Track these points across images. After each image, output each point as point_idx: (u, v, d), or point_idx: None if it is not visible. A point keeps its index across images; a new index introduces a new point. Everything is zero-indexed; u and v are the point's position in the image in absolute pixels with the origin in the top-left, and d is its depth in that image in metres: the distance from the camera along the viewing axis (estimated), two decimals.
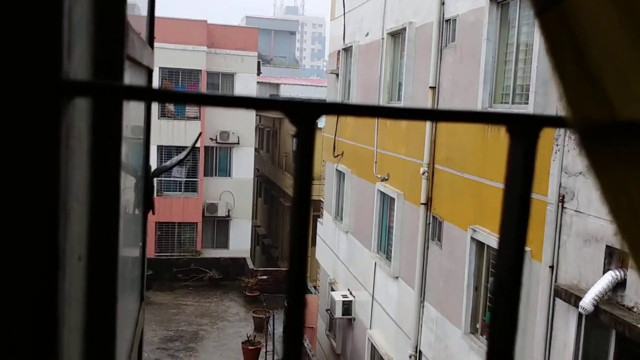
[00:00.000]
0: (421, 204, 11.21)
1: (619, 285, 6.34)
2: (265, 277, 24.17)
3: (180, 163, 23.91)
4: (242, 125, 28.24)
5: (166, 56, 25.74)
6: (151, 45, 2.18)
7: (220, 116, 27.69)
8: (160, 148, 25.95)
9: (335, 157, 16.83)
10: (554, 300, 7.35)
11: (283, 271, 24.99)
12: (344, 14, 16.62)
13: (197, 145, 26.59)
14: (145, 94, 0.64)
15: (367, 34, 14.97)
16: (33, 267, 0.57)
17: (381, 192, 13.53)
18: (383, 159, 13.45)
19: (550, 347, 7.43)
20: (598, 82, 0.48)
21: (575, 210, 7.08)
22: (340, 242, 16.84)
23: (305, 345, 16.53)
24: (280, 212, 29.87)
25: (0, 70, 0.54)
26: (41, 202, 0.57)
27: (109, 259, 0.95)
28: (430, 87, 11.01)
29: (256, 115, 30.73)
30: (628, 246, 0.50)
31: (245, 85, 28.20)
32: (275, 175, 30.65)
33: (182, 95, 0.53)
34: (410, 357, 11.57)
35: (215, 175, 28.62)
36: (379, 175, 13.46)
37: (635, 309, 6.17)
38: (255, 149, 30.76)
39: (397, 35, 13.16)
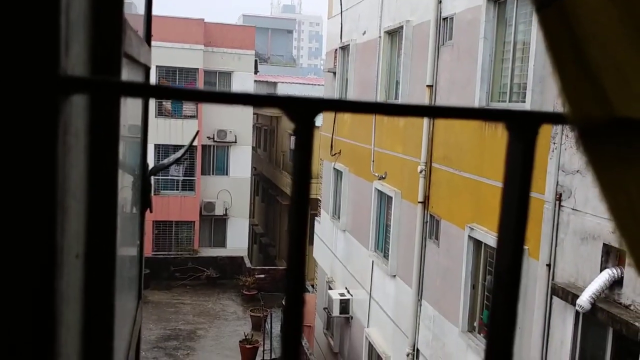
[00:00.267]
0: (418, 202, 11.22)
1: (616, 283, 6.35)
2: (262, 275, 24.18)
3: (177, 161, 23.89)
4: (239, 123, 28.22)
5: (163, 54, 25.71)
6: (148, 43, 2.18)
7: (218, 115, 27.68)
8: (157, 147, 25.91)
9: (333, 155, 16.83)
10: (551, 298, 7.36)
11: (281, 270, 25.00)
12: (341, 12, 16.61)
13: (195, 143, 26.57)
14: (143, 90, 0.63)
15: (364, 33, 14.96)
16: (30, 265, 0.57)
17: (378, 190, 13.54)
18: (380, 158, 13.45)
19: (547, 345, 7.44)
20: (597, 80, 0.48)
21: (573, 209, 7.09)
22: (337, 241, 16.84)
23: (303, 343, 16.54)
24: (277, 210, 29.87)
25: None
26: (38, 199, 0.56)
27: (107, 257, 0.95)
28: (427, 86, 11.02)
29: (253, 113, 30.73)
30: (626, 244, 0.50)
31: (243, 84, 28.18)
32: (273, 173, 30.65)
33: (179, 91, 0.53)
34: (407, 355, 11.59)
35: (213, 173, 28.61)
36: (377, 174, 13.47)
37: (632, 307, 6.19)
38: (253, 148, 30.75)
39: (394, 34, 13.16)
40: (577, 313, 6.83)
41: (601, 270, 6.50)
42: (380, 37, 13.65)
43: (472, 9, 9.62)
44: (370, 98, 14.01)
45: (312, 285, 21.21)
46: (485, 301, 9.33)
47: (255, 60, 29.37)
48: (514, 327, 0.55)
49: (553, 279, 7.35)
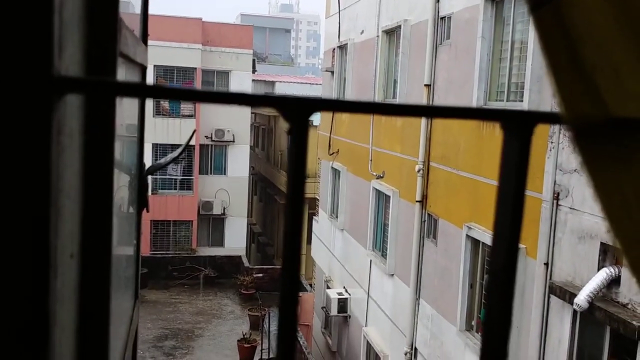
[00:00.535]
0: (416, 201, 11.22)
1: (614, 282, 6.36)
2: (260, 275, 24.18)
3: (174, 161, 23.88)
4: (237, 123, 28.21)
5: (161, 54, 25.70)
6: (145, 43, 2.18)
7: (216, 114, 27.67)
8: (155, 146, 25.90)
9: (331, 154, 16.83)
10: (548, 297, 7.37)
11: (278, 269, 24.92)
12: (339, 11, 16.61)
13: (192, 142, 26.57)
14: (137, 90, 0.63)
15: (362, 32, 14.96)
16: (24, 265, 0.57)
17: (376, 189, 13.54)
18: (378, 157, 13.46)
19: (545, 344, 7.45)
20: (592, 80, 0.48)
21: (570, 208, 7.09)
22: (335, 240, 16.85)
23: (301, 343, 16.55)
24: (275, 210, 29.87)
25: None
26: (31, 199, 0.56)
27: (102, 257, 0.94)
28: (425, 85, 11.02)
29: (251, 113, 30.73)
30: (620, 243, 0.50)
31: (241, 83, 28.17)
32: (271, 173, 30.64)
33: (174, 91, 0.52)
34: (405, 354, 11.60)
35: (211, 173, 28.60)
36: (375, 173, 13.47)
37: (629, 306, 6.20)
38: (251, 147, 30.75)
39: (392, 33, 13.16)
40: (574, 312, 6.84)
41: (599, 269, 6.51)
42: (378, 36, 13.65)
43: (470, 8, 9.62)
44: (368, 97, 14.01)
45: (310, 285, 21.22)
46: (483, 300, 9.33)
47: (253, 60, 29.36)
48: (509, 325, 0.55)
49: (551, 278, 7.36)
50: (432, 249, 10.89)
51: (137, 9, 2.33)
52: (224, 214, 28.42)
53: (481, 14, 9.15)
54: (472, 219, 9.34)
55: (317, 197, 19.43)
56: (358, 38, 15.28)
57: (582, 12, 0.47)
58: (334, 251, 16.93)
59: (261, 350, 18.38)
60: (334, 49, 17.09)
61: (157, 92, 0.53)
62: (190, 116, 27.37)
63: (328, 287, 16.78)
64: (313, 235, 19.59)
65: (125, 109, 1.57)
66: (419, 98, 11.29)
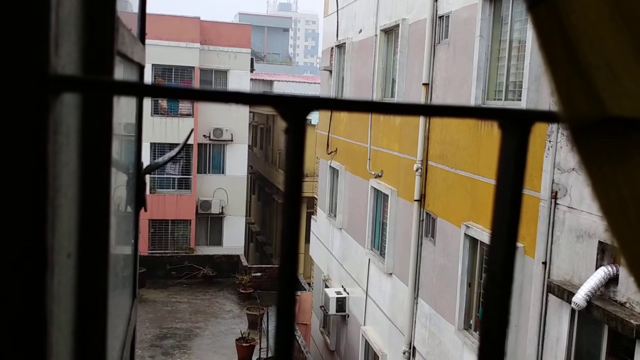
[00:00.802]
0: (415, 200, 11.23)
1: (612, 281, 6.37)
2: (259, 274, 24.17)
3: (172, 160, 23.86)
4: (235, 122, 28.21)
5: (159, 53, 25.68)
6: (142, 42, 2.17)
7: (214, 113, 27.66)
8: (153, 145, 25.89)
9: (329, 154, 16.83)
10: (547, 296, 7.38)
11: (277, 268, 24.96)
12: (337, 10, 16.61)
13: (190, 142, 26.55)
14: (134, 89, 0.63)
15: (360, 31, 14.96)
16: (20, 264, 0.57)
17: (375, 188, 13.55)
18: (376, 156, 13.46)
19: (543, 343, 7.46)
20: (588, 78, 0.48)
21: (568, 207, 7.10)
22: (334, 239, 16.85)
23: (300, 342, 16.55)
24: (274, 209, 29.87)
25: None
26: (28, 198, 0.56)
27: (100, 256, 0.94)
28: (423, 84, 11.02)
29: (250, 112, 30.72)
30: (618, 242, 0.50)
31: (239, 82, 28.16)
32: (269, 172, 30.64)
33: (172, 90, 0.52)
34: (404, 353, 11.60)
35: (209, 172, 28.59)
36: (373, 172, 13.48)
37: (627, 305, 6.21)
38: (249, 146, 30.74)
39: (390, 32, 13.16)
40: (572, 311, 6.85)
41: (597, 268, 6.52)
42: (376, 35, 13.65)
43: (468, 7, 9.63)
44: (366, 96, 14.01)
45: (309, 284, 21.23)
46: (481, 299, 9.34)
47: (252, 59, 29.35)
48: (507, 322, 0.55)
49: (549, 277, 7.37)
50: (430, 248, 10.90)
51: (135, 8, 2.33)
52: (222, 213, 28.42)
53: (479, 13, 9.16)
54: (470, 218, 9.35)
55: (315, 196, 19.44)
56: (356, 37, 15.28)
57: (578, 10, 0.47)
58: (333, 250, 16.93)
59: (259, 350, 18.38)
60: (332, 48, 17.09)
61: (154, 91, 0.53)
62: (188, 115, 27.36)
63: (326, 286, 16.78)
64: (311, 235, 19.59)
65: (123, 108, 1.57)
66: (417, 97, 11.29)
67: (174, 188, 27.85)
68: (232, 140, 28.30)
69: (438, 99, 10.69)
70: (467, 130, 9.48)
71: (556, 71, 0.50)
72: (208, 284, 25.02)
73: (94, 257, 0.92)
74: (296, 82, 35.75)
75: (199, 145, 27.78)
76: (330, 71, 17.28)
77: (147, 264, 24.04)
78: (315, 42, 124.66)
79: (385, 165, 13.02)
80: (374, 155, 13.59)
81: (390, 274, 12.65)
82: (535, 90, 7.78)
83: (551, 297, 7.26)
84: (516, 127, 0.55)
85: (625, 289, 6.23)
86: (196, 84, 27.27)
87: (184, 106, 27.19)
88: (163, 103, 26.77)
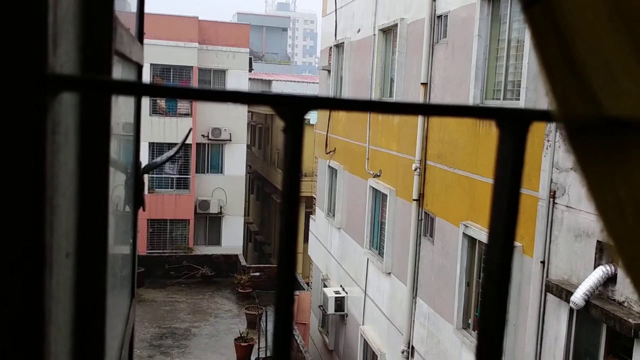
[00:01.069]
0: (413, 200, 11.23)
1: (610, 280, 6.38)
2: (257, 273, 24.17)
3: (170, 159, 23.83)
4: (234, 121, 28.20)
5: (157, 52, 25.67)
6: (141, 41, 2.17)
7: (212, 113, 27.65)
8: (151, 145, 25.89)
9: (328, 153, 16.83)
10: (545, 295, 7.39)
11: (275, 268, 24.94)
12: (336, 10, 16.60)
13: (189, 141, 26.54)
14: (132, 89, 0.63)
15: (358, 30, 14.96)
16: (18, 264, 0.57)
17: (373, 188, 13.55)
18: (375, 155, 13.47)
19: (541, 342, 7.47)
20: (585, 78, 0.48)
21: (566, 206, 7.11)
22: (332, 239, 16.85)
23: (298, 341, 16.55)
24: (272, 208, 29.86)
25: None
26: (26, 198, 0.56)
27: (98, 256, 0.94)
28: (422, 84, 11.03)
29: (248, 111, 30.71)
30: (614, 242, 0.50)
31: (237, 82, 28.15)
32: (268, 171, 30.63)
33: (170, 89, 0.52)
34: (402, 352, 11.61)
35: (207, 172, 28.58)
36: (371, 172, 13.48)
37: (625, 304, 6.21)
38: (247, 146, 30.73)
39: (388, 32, 13.16)
40: (571, 310, 6.85)
41: (595, 267, 6.52)
42: (374, 35, 13.65)
43: (466, 6, 9.63)
44: (365, 96, 14.02)
45: (307, 283, 21.23)
46: (479, 298, 9.35)
47: (250, 58, 29.34)
48: (504, 321, 0.55)
49: (547, 276, 7.37)
50: (428, 247, 10.90)
51: (133, 8, 2.33)
52: (220, 212, 28.41)
53: (478, 13, 9.16)
54: (468, 217, 9.35)
55: (314, 195, 19.44)
56: (355, 37, 15.28)
57: (574, 10, 0.47)
58: (331, 250, 16.94)
59: (258, 349, 18.38)
60: (331, 47, 17.09)
61: (152, 90, 0.53)
62: (187, 115, 27.34)
63: (325, 286, 16.79)
64: (310, 234, 19.59)
65: (121, 108, 1.57)
66: (416, 96, 11.29)
67: (173, 188, 27.84)
68: (230, 140, 28.29)
69: (436, 98, 10.70)
70: (466, 130, 9.49)
71: (551, 71, 0.50)
72: (207, 284, 25.01)
73: (93, 256, 0.92)
74: (295, 81, 35.75)
75: (198, 144, 27.77)
76: (329, 71, 17.28)
77: (146, 263, 24.03)
78: (313, 41, 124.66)
79: (383, 164, 13.02)
80: (372, 155, 13.59)
81: (389, 273, 12.65)
82: (534, 89, 7.79)
83: (550, 296, 7.27)
84: (514, 126, 0.55)
85: (624, 288, 6.24)
86: (194, 83, 27.26)
87: (182, 106, 27.18)
88: (161, 103, 26.75)
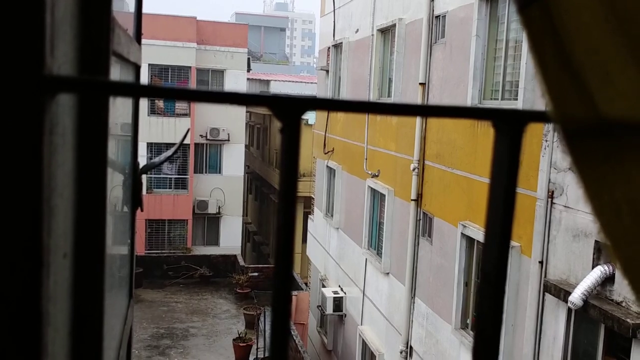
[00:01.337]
0: (411, 200, 11.24)
1: (608, 280, 6.38)
2: (256, 274, 24.16)
3: (168, 159, 23.82)
4: (232, 122, 28.20)
5: (156, 53, 25.66)
6: (139, 42, 2.17)
7: (211, 113, 27.64)
8: (150, 145, 25.87)
9: (326, 153, 16.83)
10: (543, 295, 7.40)
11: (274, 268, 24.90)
12: (334, 10, 16.61)
13: (187, 141, 26.54)
14: (129, 90, 0.63)
15: (357, 31, 14.97)
16: (16, 264, 0.57)
17: (372, 188, 13.55)
18: (373, 156, 13.47)
19: (540, 342, 7.47)
20: (581, 79, 0.48)
21: (565, 206, 7.12)
22: (331, 239, 16.85)
23: (297, 342, 16.55)
24: (271, 209, 29.86)
25: None
26: (23, 198, 0.56)
27: (96, 256, 0.94)
28: (420, 84, 11.03)
29: (246, 112, 30.71)
30: (610, 243, 0.50)
31: (236, 82, 28.15)
32: (266, 172, 30.63)
33: (166, 90, 0.52)
34: (401, 352, 11.61)
35: (206, 172, 28.57)
36: (370, 172, 13.48)
37: (623, 304, 6.22)
38: (246, 146, 30.73)
39: (386, 32, 13.17)
40: (569, 310, 6.86)
41: (593, 267, 6.53)
42: (373, 35, 13.65)
43: (465, 7, 9.64)
44: (363, 96, 14.02)
45: (306, 283, 21.22)
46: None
47: (248, 59, 29.34)
48: (500, 322, 0.55)
49: (545, 276, 7.38)
50: (427, 248, 10.91)
51: (131, 8, 2.33)
52: (219, 213, 28.40)
53: (476, 13, 9.17)
54: (467, 217, 9.36)
55: (312, 196, 19.44)
56: (353, 37, 15.29)
57: (571, 12, 0.47)
58: (330, 250, 16.94)
59: (257, 350, 18.37)
60: (329, 47, 17.09)
61: (149, 91, 0.53)
62: (185, 115, 27.34)
63: (323, 286, 16.79)
64: (308, 234, 19.59)
65: (119, 108, 1.57)
66: (414, 96, 11.30)
67: (171, 188, 27.82)
68: (228, 140, 28.28)
69: (435, 98, 10.70)
70: (464, 130, 9.50)
71: (547, 73, 0.50)
72: (205, 284, 25.00)
73: (90, 257, 0.92)
74: (293, 81, 35.74)
75: (196, 145, 27.76)
76: (327, 71, 17.29)
77: (144, 264, 24.02)
78: (312, 41, 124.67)
79: (382, 164, 13.03)
80: (370, 155, 13.60)
81: (387, 273, 12.66)
82: (532, 90, 7.80)
83: (548, 296, 7.28)
84: (509, 127, 0.55)
85: (622, 288, 6.25)
86: (193, 83, 27.26)
87: (180, 106, 27.17)
88: (160, 103, 26.74)
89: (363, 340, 13.85)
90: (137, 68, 2.03)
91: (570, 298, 6.50)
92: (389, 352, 12.46)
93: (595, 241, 6.59)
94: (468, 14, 9.48)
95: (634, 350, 6.02)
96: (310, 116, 19.60)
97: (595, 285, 6.35)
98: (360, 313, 14.27)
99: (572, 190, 7.01)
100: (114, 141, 1.37)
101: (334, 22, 16.58)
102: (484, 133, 8.88)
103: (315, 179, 18.80)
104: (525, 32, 0.50)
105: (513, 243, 7.95)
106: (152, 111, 26.79)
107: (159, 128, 26.57)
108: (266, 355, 18.01)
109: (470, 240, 9.41)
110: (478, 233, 8.94)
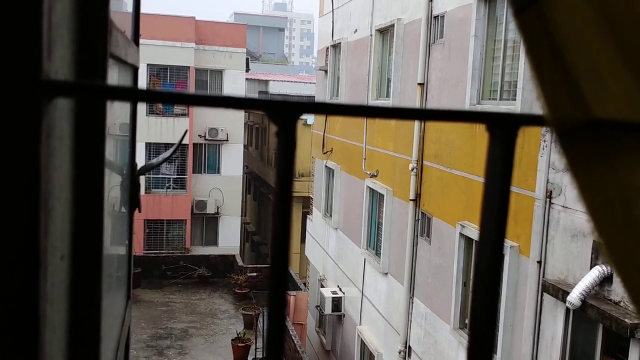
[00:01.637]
0: (410, 200, 11.24)
1: (606, 280, 6.39)
2: (254, 274, 24.16)
3: (166, 160, 23.81)
4: (230, 122, 28.19)
5: (154, 53, 25.64)
6: (136, 43, 2.17)
7: (209, 113, 27.61)
8: (148, 145, 25.85)
9: (325, 153, 16.84)
10: (541, 295, 7.40)
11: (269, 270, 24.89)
12: (333, 10, 16.61)
13: (186, 142, 26.53)
14: (126, 94, 0.64)
15: (355, 31, 14.97)
16: (14, 266, 0.57)
17: (370, 188, 13.56)
18: (372, 156, 13.48)
19: (538, 342, 7.48)
20: (574, 82, 0.49)
21: (563, 206, 7.12)
22: (329, 239, 16.86)
23: (295, 342, 16.55)
24: (269, 209, 29.84)
25: None
26: (21, 201, 0.56)
27: (93, 258, 0.95)
28: (418, 84, 11.04)
29: (245, 112, 30.70)
30: (604, 244, 0.51)
31: (234, 82, 28.14)
32: (265, 172, 30.62)
33: (162, 94, 0.53)
34: (399, 352, 11.62)
35: (204, 172, 28.56)
36: (368, 172, 13.49)
37: (621, 303, 6.23)
38: (244, 146, 30.73)
39: (385, 32, 13.17)
40: (567, 310, 6.87)
41: (591, 267, 6.54)
42: (371, 35, 13.66)
43: (463, 7, 9.64)
44: (361, 96, 14.03)
45: (305, 284, 21.22)
46: None
47: (247, 59, 29.32)
48: (494, 323, 0.56)
49: (544, 276, 7.39)
50: (425, 248, 10.91)
51: (129, 8, 2.33)
52: (217, 213, 28.39)
53: (474, 13, 9.18)
54: (465, 218, 9.37)
55: (311, 196, 19.44)
56: (351, 37, 15.29)
57: (564, 15, 0.48)
58: (328, 250, 16.94)
59: (255, 350, 18.38)
60: (328, 47, 17.10)
61: (146, 95, 0.54)
62: (183, 115, 27.33)
63: (322, 286, 16.79)
64: (307, 234, 19.59)
65: (117, 109, 1.57)
66: (413, 97, 11.31)
67: (169, 188, 27.81)
68: (227, 140, 28.27)
69: (433, 99, 10.71)
70: (462, 130, 9.50)
71: (542, 75, 0.51)
72: (203, 284, 24.99)
73: (88, 259, 0.93)
74: (291, 82, 35.74)
75: (195, 145, 27.75)
76: (326, 71, 17.29)
77: (143, 264, 24.00)
78: (310, 41, 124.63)
79: (380, 165, 13.03)
80: (369, 155, 13.60)
81: (386, 273, 12.66)
82: (530, 90, 7.80)
83: (546, 296, 7.28)
84: (503, 130, 0.55)
85: (620, 288, 6.26)
86: (191, 83, 27.25)
87: (179, 106, 27.15)
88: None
89: (362, 340, 13.85)
90: (134, 70, 2.03)
91: (569, 298, 6.51)
92: (387, 352, 12.46)
93: (594, 241, 6.60)
94: (467, 14, 9.48)
95: (632, 350, 6.03)
96: (309, 116, 19.61)
97: (594, 285, 6.36)
98: (358, 313, 14.28)
99: (570, 190, 7.02)
100: (112, 142, 1.37)
101: (333, 22, 16.59)
102: (482, 133, 8.86)
103: (314, 179, 18.80)
104: (521, 37, 0.51)
105: (511, 243, 7.95)
106: (151, 111, 26.78)
107: (158, 128, 26.56)
108: (265, 355, 18.01)
109: (468, 240, 9.41)
110: (476, 233, 8.93)
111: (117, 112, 1.57)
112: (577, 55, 0.48)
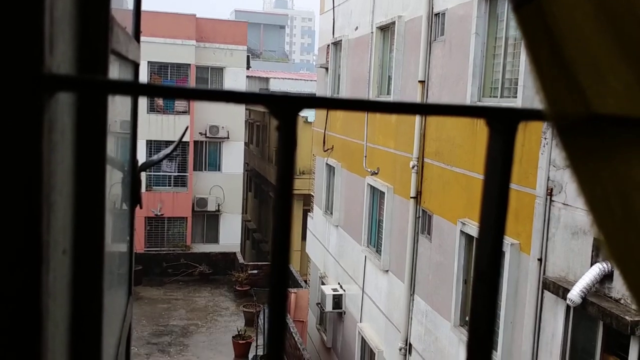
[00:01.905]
0: (411, 197, 11.24)
1: (607, 277, 6.39)
2: (255, 271, 24.18)
3: (167, 157, 23.83)
4: (231, 119, 28.18)
5: (155, 50, 25.63)
6: (137, 40, 2.18)
7: (210, 110, 27.63)
8: (149, 142, 25.86)
9: (325, 151, 16.83)
10: (542, 292, 7.41)
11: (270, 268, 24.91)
12: (334, 7, 16.60)
13: (186, 139, 26.53)
14: (128, 89, 0.64)
15: (356, 28, 14.96)
16: (15, 260, 0.58)
17: (371, 186, 13.56)
18: (373, 153, 13.47)
19: (538, 339, 7.49)
20: (574, 77, 0.49)
21: (563, 203, 7.12)
22: (330, 236, 16.86)
23: (296, 339, 16.57)
24: (270, 206, 29.85)
25: None
26: (23, 195, 0.57)
27: (95, 253, 0.95)
28: (419, 81, 11.03)
29: (246, 109, 30.70)
30: (603, 237, 0.51)
31: (235, 80, 28.13)
32: (265, 169, 30.62)
33: (164, 89, 0.53)
34: (400, 350, 11.63)
35: (205, 169, 28.57)
36: (369, 169, 13.49)
37: (622, 301, 6.23)
38: (245, 143, 30.72)
39: (386, 29, 13.16)
40: (567, 307, 6.87)
41: (592, 265, 6.54)
42: (372, 32, 13.65)
43: (464, 4, 9.63)
44: (362, 93, 14.02)
45: (305, 281, 21.24)
46: None
47: (248, 56, 29.31)
48: (493, 320, 0.56)
49: (544, 274, 7.39)
50: (426, 245, 10.92)
51: (130, 5, 2.33)
52: (218, 210, 28.40)
53: (475, 11, 9.17)
54: (466, 215, 9.37)
55: (312, 193, 19.44)
56: (352, 34, 15.27)
57: (563, 10, 0.48)
58: (329, 247, 16.95)
59: (256, 347, 18.40)
60: (329, 45, 17.08)
61: (148, 90, 0.54)
62: (184, 112, 27.33)
63: (323, 284, 16.80)
64: (308, 232, 19.60)
65: (118, 106, 1.57)
66: (414, 94, 11.30)
67: (170, 185, 27.82)
68: (228, 138, 28.27)
69: (434, 96, 10.71)
70: (463, 128, 9.50)
71: (542, 71, 0.51)
72: (204, 282, 25.01)
73: (89, 253, 0.93)
74: (292, 79, 35.73)
75: (195, 142, 27.75)
76: (327, 68, 17.28)
77: (144, 261, 24.02)
78: (311, 39, 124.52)
79: (381, 162, 13.03)
80: (370, 153, 13.60)
81: (387, 270, 12.67)
82: (531, 87, 7.80)
83: (546, 293, 7.29)
84: (503, 125, 0.56)
85: (620, 285, 6.26)
86: (192, 81, 27.24)
87: (180, 103, 27.16)
88: (159, 100, 26.72)
89: (362, 337, 13.86)
90: (136, 66, 2.03)
91: (569, 295, 6.51)
92: (388, 349, 12.47)
93: (594, 238, 6.60)
94: (467, 11, 9.47)
95: (633, 347, 6.04)
96: (310, 114, 19.60)
97: (594, 282, 6.36)
98: (359, 310, 14.29)
99: (571, 187, 7.02)
100: (113, 139, 1.38)
101: (334, 19, 16.57)
102: (483, 131, 8.87)
103: (315, 177, 18.80)
104: (521, 32, 0.51)
105: (512, 240, 7.95)
106: (152, 109, 26.78)
107: (158, 125, 26.56)
108: (265, 352, 18.03)
109: (469, 238, 9.41)
110: (477, 230, 8.94)
111: (118, 109, 1.57)
112: (577, 49, 0.49)
